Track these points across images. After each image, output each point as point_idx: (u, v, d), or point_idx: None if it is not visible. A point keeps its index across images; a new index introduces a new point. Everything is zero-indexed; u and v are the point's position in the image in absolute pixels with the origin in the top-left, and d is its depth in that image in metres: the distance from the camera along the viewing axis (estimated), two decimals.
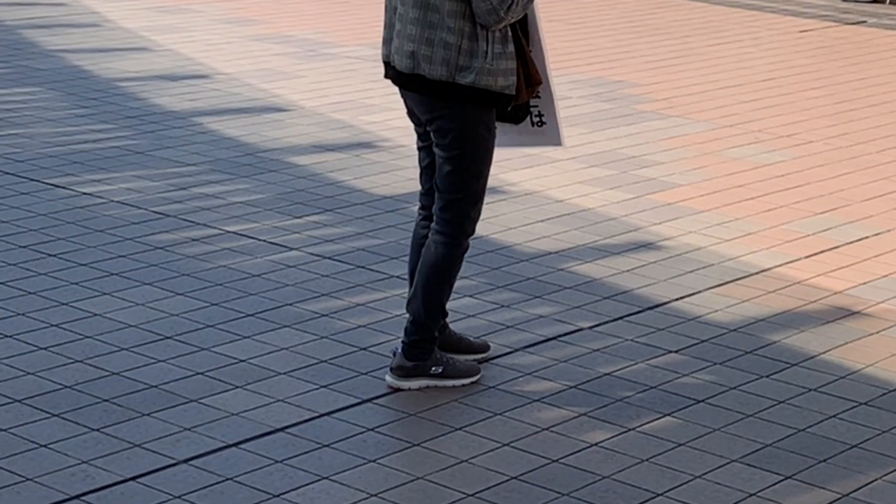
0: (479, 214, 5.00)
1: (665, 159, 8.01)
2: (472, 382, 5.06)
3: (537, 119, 5.07)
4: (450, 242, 4.95)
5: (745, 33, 11.92)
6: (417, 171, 5.14)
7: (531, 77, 4.86)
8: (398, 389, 4.99)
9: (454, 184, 4.89)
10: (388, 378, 5.03)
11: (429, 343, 5.01)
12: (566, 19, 12.26)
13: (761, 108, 9.24)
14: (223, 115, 8.66)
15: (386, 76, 4.96)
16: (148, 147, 7.92)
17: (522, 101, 4.89)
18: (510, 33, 4.77)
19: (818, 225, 6.93)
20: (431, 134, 4.90)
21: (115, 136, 8.12)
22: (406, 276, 6.02)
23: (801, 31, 12.14)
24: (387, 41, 4.92)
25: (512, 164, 7.79)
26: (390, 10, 4.88)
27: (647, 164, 7.91)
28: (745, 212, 7.11)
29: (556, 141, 5.13)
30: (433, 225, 4.98)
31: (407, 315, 5.05)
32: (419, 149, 5.07)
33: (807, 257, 6.49)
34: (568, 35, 11.55)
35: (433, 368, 5.01)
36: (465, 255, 6.29)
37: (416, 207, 5.17)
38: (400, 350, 5.03)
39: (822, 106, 9.37)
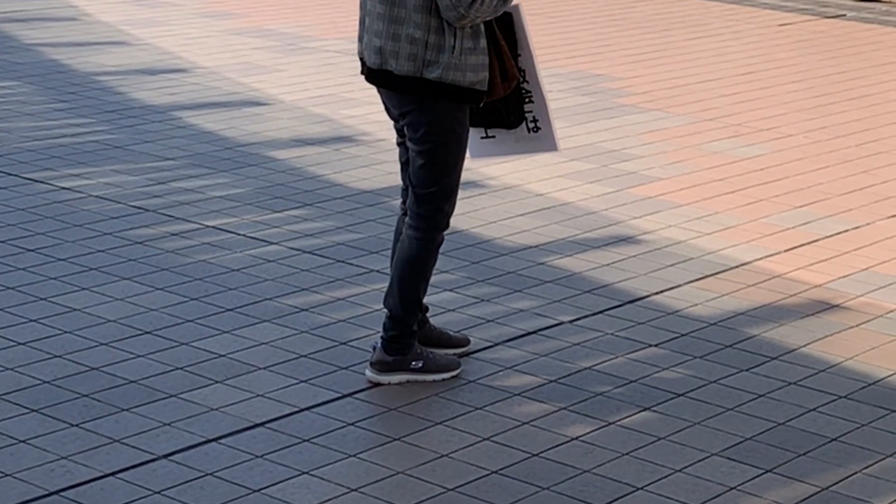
0: (453, 209, 4.99)
1: (645, 153, 8.01)
2: (453, 377, 5.06)
3: (532, 125, 5.06)
4: (423, 237, 4.95)
5: (724, 27, 11.93)
6: (398, 166, 5.13)
7: (507, 72, 4.85)
8: (378, 384, 4.99)
9: (426, 178, 4.88)
10: (368, 373, 5.02)
11: (407, 338, 5.01)
12: (546, 12, 12.26)
13: (741, 102, 9.25)
14: (202, 110, 8.64)
15: (361, 72, 4.96)
16: (127, 141, 7.90)
17: (497, 97, 4.87)
18: (482, 28, 4.76)
19: (798, 218, 6.94)
20: (405, 128, 4.90)
21: (93, 131, 8.09)
22: (387, 271, 6.02)
23: (781, 25, 12.16)
24: (361, 38, 4.92)
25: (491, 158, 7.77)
26: (363, 7, 4.88)
27: (627, 157, 7.91)
28: (724, 205, 7.12)
29: (551, 146, 5.11)
30: (406, 219, 4.98)
31: (385, 310, 5.04)
32: (398, 144, 5.07)
33: (786, 251, 6.51)
34: (548, 28, 11.55)
35: (413, 363, 5.01)
36: (445, 250, 6.30)
37: (398, 203, 5.16)
38: (379, 345, 5.02)
39: (801, 99, 9.39)
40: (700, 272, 6.20)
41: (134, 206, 6.79)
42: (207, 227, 6.56)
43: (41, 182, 7.12)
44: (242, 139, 8.01)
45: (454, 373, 5.07)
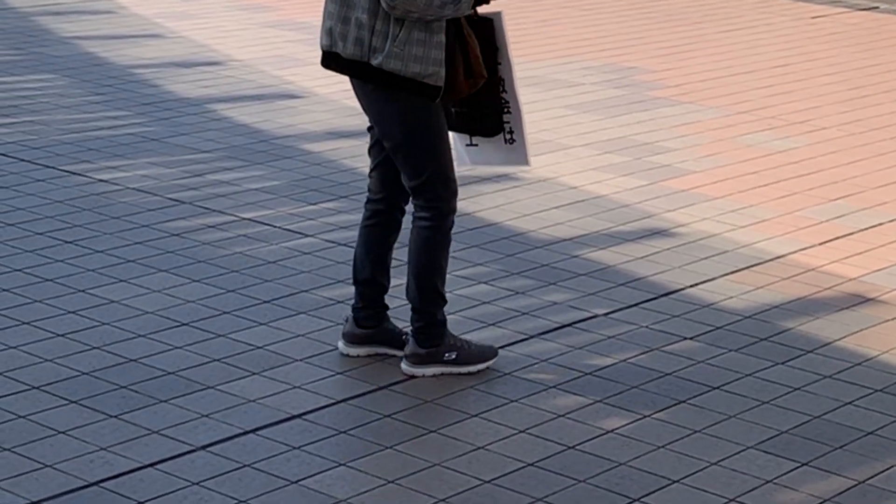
0: (455, 191, 4.93)
1: (678, 146, 8.01)
2: (488, 367, 5.07)
3: (509, 136, 5.05)
4: (430, 225, 4.93)
5: (757, 19, 11.90)
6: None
7: (472, 69, 4.79)
8: (413, 377, 5.01)
9: (409, 170, 4.87)
10: (403, 365, 5.04)
11: (435, 327, 5.00)
12: (578, 5, 12.25)
13: (774, 95, 9.24)
14: (237, 102, 8.68)
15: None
16: (163, 134, 7.94)
17: (461, 95, 4.83)
18: (444, 24, 4.70)
19: (832, 211, 6.94)
20: (376, 129, 4.90)
21: (130, 123, 8.14)
22: None
23: (814, 17, 12.12)
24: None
25: None
26: None
27: (660, 150, 7.91)
28: (758, 198, 7.11)
29: (523, 161, 5.08)
30: (413, 212, 4.96)
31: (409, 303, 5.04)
32: (369, 128, 5.02)
33: (821, 244, 6.50)
34: (580, 21, 11.55)
35: (446, 355, 5.02)
36: (480, 242, 6.32)
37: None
38: (411, 337, 5.04)
39: (835, 92, 9.37)
40: (734, 265, 6.20)
41: (170, 199, 6.84)
42: (243, 219, 6.59)
43: (79, 174, 7.17)
44: (277, 132, 8.04)
45: (489, 363, 5.08)
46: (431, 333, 5.01)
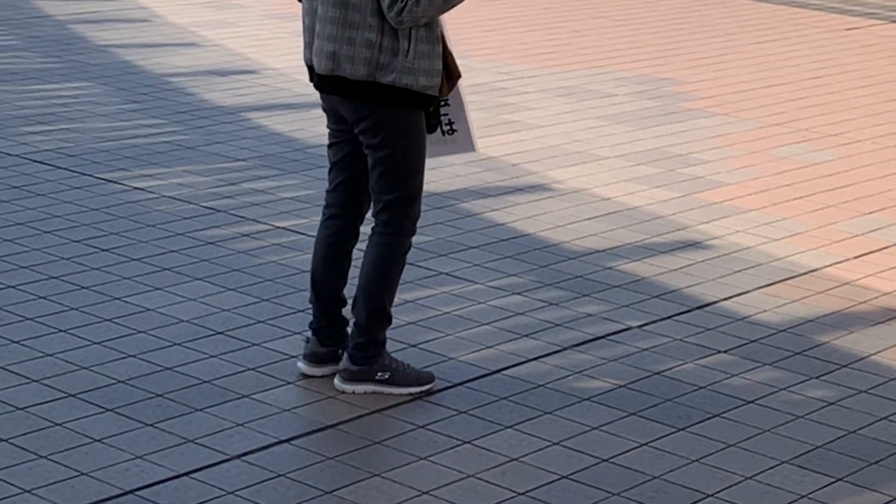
0: (419, 213, 4.93)
1: (712, 157, 8.01)
2: (424, 392, 4.97)
3: (447, 128, 5.05)
4: (390, 242, 4.90)
5: (791, 31, 11.89)
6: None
7: (451, 72, 4.81)
8: (343, 392, 4.94)
9: (388, 184, 4.84)
10: (336, 381, 4.96)
11: (373, 347, 4.94)
12: (612, 16, 12.26)
13: (808, 107, 9.22)
14: (272, 111, 8.71)
15: (310, 80, 4.90)
16: (198, 142, 7.98)
17: (444, 96, 4.84)
18: (438, 32, 4.71)
19: (867, 225, 6.92)
20: (359, 136, 4.84)
21: (165, 132, 8.18)
22: (457, 273, 6.05)
23: (848, 29, 12.09)
24: (308, 44, 4.84)
25: (558, 162, 7.81)
26: (311, 13, 4.79)
27: (693, 162, 7.91)
28: (792, 211, 7.10)
29: (468, 147, 5.08)
30: (374, 226, 4.93)
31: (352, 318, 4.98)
32: (330, 146, 5.00)
33: (855, 258, 6.49)
34: (613, 32, 11.55)
35: (379, 374, 4.94)
36: (514, 253, 6.33)
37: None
38: (347, 353, 4.97)
39: (869, 105, 9.34)
40: (768, 278, 6.19)
41: (205, 207, 6.87)
42: (278, 227, 6.62)
43: (114, 182, 7.22)
44: (311, 140, 8.07)
45: (425, 388, 4.97)
46: (367, 352, 4.94)
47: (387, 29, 4.64)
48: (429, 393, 4.97)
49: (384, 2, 4.58)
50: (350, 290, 5.08)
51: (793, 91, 9.65)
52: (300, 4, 4.91)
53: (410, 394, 4.96)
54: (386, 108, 4.74)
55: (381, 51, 4.65)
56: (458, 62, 4.92)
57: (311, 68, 4.88)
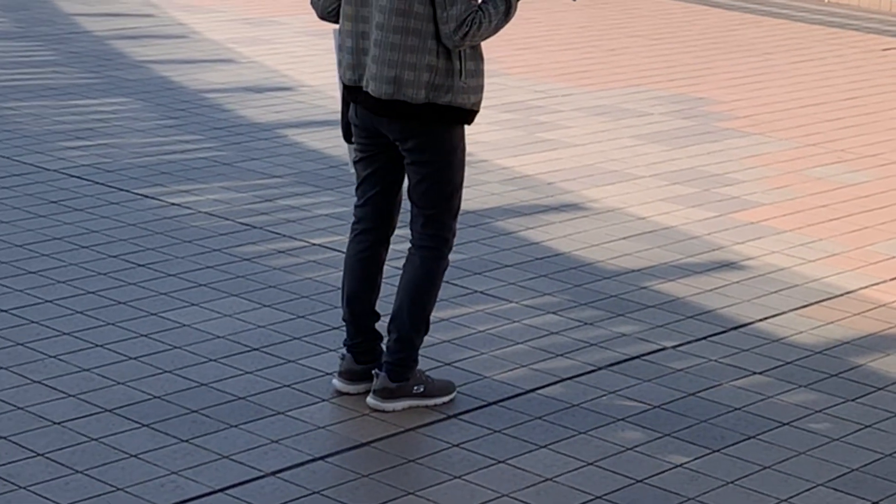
0: (456, 230, 5.01)
1: (747, 178, 7.99)
2: (450, 400, 5.04)
3: None
4: (435, 256, 4.95)
5: (827, 51, 11.86)
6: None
7: None
8: (382, 411, 4.96)
9: (434, 199, 4.89)
10: (371, 400, 4.98)
11: (412, 362, 4.98)
12: (647, 34, 12.26)
13: (844, 128, 9.20)
14: (308, 128, 8.74)
15: (353, 101, 4.91)
16: (234, 158, 8.02)
17: None
18: (481, 50, 4.81)
19: None
20: (405, 152, 4.86)
21: (202, 148, 8.22)
22: (492, 292, 6.06)
23: (885, 49, 12.06)
24: (352, 66, 4.85)
25: (594, 181, 7.81)
26: (355, 36, 4.82)
27: (729, 182, 7.90)
28: (828, 232, 7.08)
29: None
30: (415, 240, 4.96)
31: (391, 334, 4.97)
32: (359, 161, 5.01)
33: (892, 279, 6.46)
34: (649, 51, 11.55)
35: (415, 388, 4.98)
36: (549, 272, 6.34)
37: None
38: (383, 372, 4.98)
39: None
40: (804, 299, 6.17)
41: (242, 223, 6.90)
42: (313, 244, 6.64)
43: (151, 198, 7.25)
44: (347, 158, 8.09)
45: (452, 396, 5.06)
46: (406, 366, 4.97)
47: (441, 51, 4.72)
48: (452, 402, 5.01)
49: (447, 27, 4.65)
50: (382, 306, 5.09)
51: (829, 111, 9.63)
52: (335, 23, 4.94)
53: (443, 403, 5.01)
54: (437, 127, 4.79)
55: (437, 73, 4.73)
56: (493, 80, 4.98)
57: (350, 88, 4.90)
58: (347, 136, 5.06)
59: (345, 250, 6.50)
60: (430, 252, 4.94)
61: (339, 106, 9.24)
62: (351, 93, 4.92)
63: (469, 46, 4.72)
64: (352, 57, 4.86)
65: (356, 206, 5.08)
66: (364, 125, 4.93)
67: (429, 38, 4.70)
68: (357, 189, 5.06)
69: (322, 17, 5.02)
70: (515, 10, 4.79)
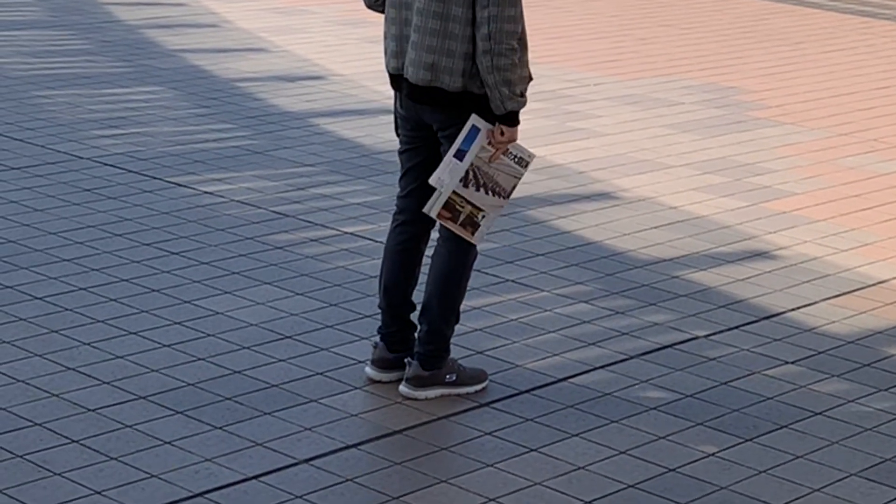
0: None
1: (779, 167, 7.98)
2: (483, 388, 5.05)
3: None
4: (463, 249, 4.94)
5: (859, 40, 11.81)
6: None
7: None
8: (414, 399, 4.98)
9: None
10: (403, 388, 5.00)
11: (444, 351, 5.00)
12: (678, 24, 12.23)
13: (877, 117, 9.16)
14: (340, 117, 8.76)
15: (395, 88, 4.92)
16: (267, 147, 8.04)
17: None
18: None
19: None
20: (441, 139, 4.87)
21: (234, 136, 8.25)
22: (524, 281, 6.07)
23: None
24: (396, 53, 4.87)
25: (625, 171, 7.81)
26: (399, 23, 4.83)
27: (760, 171, 7.88)
28: (861, 222, 7.07)
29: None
30: (443, 232, 4.95)
31: (422, 325, 4.99)
32: (403, 151, 5.02)
33: None
34: (680, 40, 11.52)
35: (447, 376, 5.00)
36: (580, 261, 6.34)
37: (393, 212, 5.10)
38: (415, 360, 5.00)
39: None
40: (837, 289, 6.16)
41: (274, 212, 6.92)
42: (345, 233, 6.66)
43: (184, 186, 7.28)
44: (378, 146, 8.11)
45: (484, 384, 5.07)
46: (438, 356, 4.98)
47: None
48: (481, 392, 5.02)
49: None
50: (417, 296, 5.11)
51: (861, 101, 9.60)
52: (366, 12, 4.95)
53: (475, 391, 5.01)
54: (477, 114, 4.78)
55: (474, 61, 4.71)
56: None
57: (394, 76, 4.92)
58: (398, 129, 5.07)
59: (377, 239, 6.55)
60: (457, 245, 4.95)
61: (372, 95, 9.27)
62: (395, 81, 4.93)
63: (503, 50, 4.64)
64: (395, 44, 4.87)
65: (398, 197, 5.10)
66: (408, 115, 4.94)
67: (464, 25, 4.69)
68: (400, 180, 5.08)
69: (369, 7, 5.03)
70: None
